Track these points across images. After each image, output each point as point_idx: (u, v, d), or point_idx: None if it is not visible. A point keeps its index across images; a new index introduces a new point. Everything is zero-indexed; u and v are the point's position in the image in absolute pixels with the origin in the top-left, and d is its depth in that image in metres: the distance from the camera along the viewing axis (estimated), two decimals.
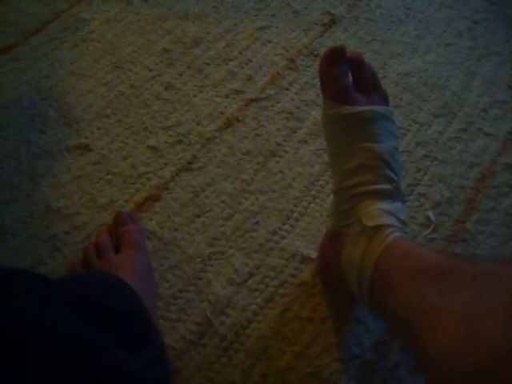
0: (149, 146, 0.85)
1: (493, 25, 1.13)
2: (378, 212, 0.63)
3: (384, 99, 0.70)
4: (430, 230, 0.82)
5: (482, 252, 0.82)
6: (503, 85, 1.03)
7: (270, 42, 1.00)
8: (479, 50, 1.08)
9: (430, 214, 0.83)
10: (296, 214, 0.80)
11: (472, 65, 1.05)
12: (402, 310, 0.53)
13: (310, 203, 0.82)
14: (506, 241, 0.84)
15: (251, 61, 0.97)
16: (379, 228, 0.61)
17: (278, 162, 0.85)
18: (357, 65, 0.68)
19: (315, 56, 0.99)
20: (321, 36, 1.03)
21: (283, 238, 0.78)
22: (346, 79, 0.67)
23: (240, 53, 0.98)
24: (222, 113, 0.89)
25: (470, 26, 1.12)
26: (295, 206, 0.81)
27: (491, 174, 0.90)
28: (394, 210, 0.64)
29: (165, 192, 0.81)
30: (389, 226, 0.61)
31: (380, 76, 0.97)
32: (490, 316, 0.42)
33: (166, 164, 0.83)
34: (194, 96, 0.91)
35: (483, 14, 1.14)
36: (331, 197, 0.79)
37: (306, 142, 0.87)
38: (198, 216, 0.79)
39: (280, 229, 0.79)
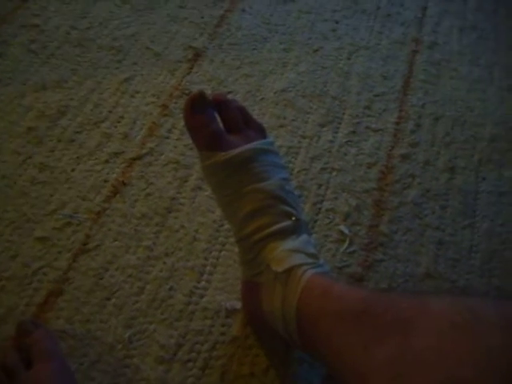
0: (36, 238, 0.78)
1: (353, 21, 1.14)
2: (284, 254, 0.60)
3: (260, 132, 0.68)
4: (347, 244, 0.80)
5: (402, 251, 0.81)
6: (378, 77, 1.04)
7: (138, 92, 0.96)
8: (347, 49, 1.08)
9: (342, 227, 0.82)
10: (209, 268, 0.76)
11: (344, 65, 1.05)
12: (333, 360, 0.51)
13: (220, 252, 0.78)
14: (422, 232, 0.84)
15: (123, 117, 0.92)
16: (290, 271, 0.59)
17: (176, 218, 0.81)
18: (222, 105, 0.65)
19: (187, 95, 0.95)
20: (188, 73, 0.99)
21: (202, 296, 0.74)
22: (215, 124, 0.64)
23: (110, 112, 0.92)
24: (105, 181, 0.84)
25: (332, 27, 1.12)
26: (205, 259, 0.77)
27: (390, 169, 0.90)
28: (301, 245, 0.61)
29: (66, 283, 0.74)
30: (300, 265, 0.59)
31: (258, 98, 0.96)
32: (415, 373, 0.40)
33: (59, 252, 0.77)
34: (72, 170, 0.85)
35: (342, 13, 1.15)
36: None
37: (200, 188, 0.83)
38: (108, 299, 0.73)
39: (196, 288, 0.74)
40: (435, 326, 0.43)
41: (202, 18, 1.09)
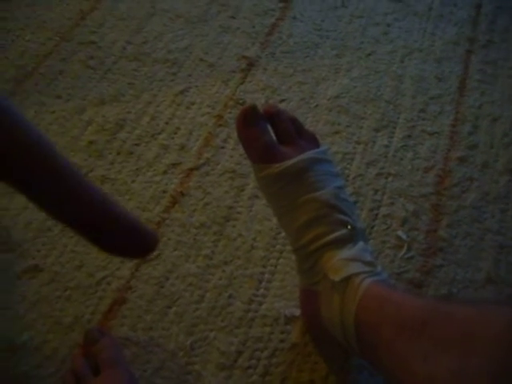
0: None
1: (405, 23, 1.13)
2: (341, 263, 0.60)
3: (312, 141, 0.68)
4: (405, 249, 0.79)
5: (462, 256, 0.79)
6: (433, 79, 1.03)
7: (193, 103, 0.97)
8: (400, 52, 1.07)
9: (400, 233, 0.81)
10: (267, 275, 0.77)
11: (397, 68, 1.04)
12: (392, 368, 0.51)
13: (278, 259, 0.78)
14: (482, 236, 0.82)
15: (180, 128, 0.94)
16: (348, 280, 0.59)
17: (234, 226, 0.82)
18: (274, 117, 0.66)
19: (242, 105, 0.96)
20: (242, 83, 1.00)
21: (261, 304, 0.75)
22: (267, 136, 0.65)
23: (166, 123, 0.95)
24: (164, 191, 0.86)
25: (384, 30, 1.11)
26: (264, 266, 0.78)
27: (448, 173, 0.89)
28: (357, 253, 0.61)
29: (129, 292, 0.76)
30: (357, 273, 0.59)
31: (312, 105, 0.96)
32: None
33: (122, 262, 0.79)
34: (132, 182, 0.87)
35: (393, 15, 1.14)
36: None
37: (256, 196, 0.84)
38: (169, 307, 0.75)
39: (255, 295, 0.75)
40: (495, 340, 0.42)
41: (254, 27, 1.10)
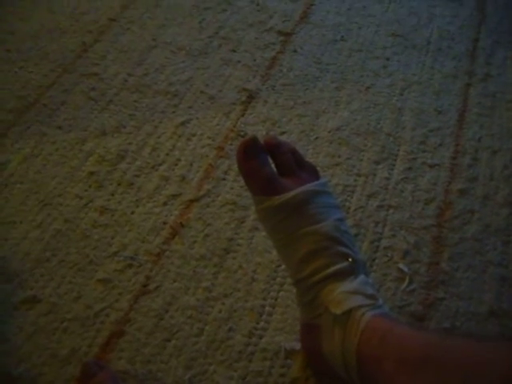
0: (98, 280, 0.80)
1: (404, 57, 1.14)
2: (342, 296, 0.60)
3: (313, 173, 0.68)
4: (407, 282, 0.79)
5: (464, 289, 0.79)
6: (432, 112, 1.04)
7: (194, 135, 0.98)
8: (399, 85, 1.08)
9: (401, 265, 0.81)
10: (268, 308, 0.76)
11: (397, 101, 1.05)
12: None
13: (278, 292, 0.78)
14: (484, 269, 0.82)
15: (180, 160, 0.94)
16: (349, 313, 0.58)
17: (234, 258, 0.81)
18: (274, 149, 0.66)
19: (242, 137, 0.97)
20: (243, 115, 1.01)
21: (261, 337, 0.74)
22: (268, 168, 0.65)
23: (167, 155, 0.95)
24: (164, 223, 0.86)
25: (383, 63, 1.12)
26: (264, 299, 0.77)
27: (448, 205, 0.89)
28: (359, 286, 0.61)
29: (127, 325, 0.75)
30: (359, 307, 0.58)
31: (312, 138, 0.97)
32: None
33: (120, 294, 0.78)
34: (132, 213, 0.87)
35: (392, 49, 1.16)
36: None
37: (257, 228, 0.84)
38: (168, 340, 0.74)
39: (255, 328, 0.74)
40: (497, 379, 0.42)
41: (255, 60, 1.12)
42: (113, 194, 0.90)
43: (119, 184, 0.91)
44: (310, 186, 0.65)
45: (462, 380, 0.44)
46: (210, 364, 0.71)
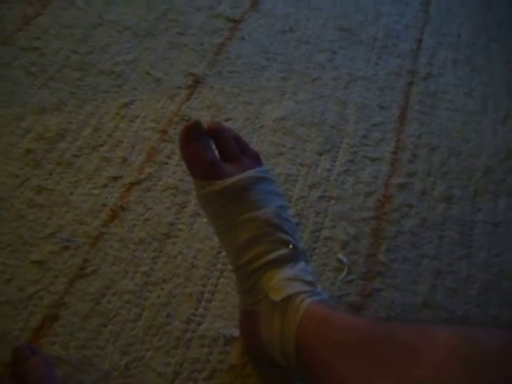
0: (33, 261, 0.77)
1: (350, 51, 1.15)
2: (282, 283, 0.60)
3: (255, 160, 0.68)
4: (345, 272, 0.80)
5: (400, 281, 0.81)
6: (375, 107, 1.05)
7: (137, 117, 0.96)
8: (344, 78, 1.09)
9: (341, 255, 0.82)
10: (207, 295, 0.76)
11: (342, 94, 1.06)
12: None
13: (218, 279, 0.77)
14: (419, 261, 0.84)
15: (122, 141, 0.92)
16: (288, 300, 0.59)
17: (175, 244, 0.80)
18: (217, 134, 0.65)
19: (186, 121, 0.95)
20: (188, 99, 1.00)
21: (200, 323, 0.73)
22: (210, 153, 0.64)
23: (109, 136, 0.92)
24: (104, 205, 0.83)
25: (329, 57, 1.13)
26: (203, 286, 0.76)
27: (388, 198, 0.91)
28: (299, 273, 0.61)
29: (62, 308, 0.73)
30: (298, 293, 0.59)
31: (257, 126, 0.96)
32: None
33: (56, 277, 0.76)
34: (71, 194, 0.84)
35: (339, 43, 1.17)
36: None
37: (198, 214, 0.83)
38: (105, 325, 0.72)
39: (194, 315, 0.74)
40: (436, 357, 0.43)
41: (202, 45, 1.10)
42: (51, 174, 0.87)
43: (58, 163, 0.88)
44: (253, 172, 0.65)
45: (402, 362, 0.45)
46: (148, 350, 0.70)
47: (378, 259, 0.83)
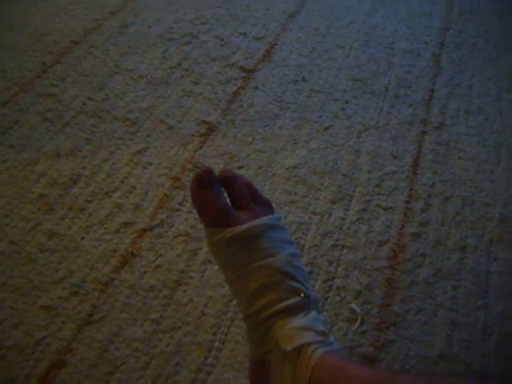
0: (41, 306, 0.76)
1: (362, 101, 1.16)
2: (293, 332, 0.58)
3: (267, 208, 0.67)
4: (358, 323, 0.78)
5: (414, 332, 0.79)
6: (388, 155, 1.05)
7: (150, 164, 0.96)
8: (357, 127, 1.10)
9: (354, 305, 0.80)
10: (217, 344, 0.74)
11: (354, 143, 1.06)
12: None
13: (229, 327, 0.76)
14: (434, 312, 0.82)
15: (135, 188, 0.92)
16: (300, 349, 0.57)
17: (185, 291, 0.79)
18: (229, 181, 0.65)
19: (199, 169, 0.96)
20: (201, 147, 1.00)
21: (209, 373, 0.71)
22: (222, 200, 0.63)
23: (122, 182, 0.93)
24: (114, 251, 0.83)
25: (342, 106, 1.14)
26: (214, 334, 0.75)
27: (401, 247, 0.89)
28: (310, 322, 0.59)
29: (69, 355, 0.72)
30: (309, 343, 0.57)
31: (269, 174, 0.96)
32: None
33: (64, 322, 0.75)
34: (82, 239, 0.84)
35: (351, 93, 1.18)
36: None
37: (209, 261, 0.82)
38: (112, 373, 0.71)
39: (204, 364, 0.72)
40: None
41: (216, 93, 1.12)
42: (63, 219, 0.87)
43: (70, 208, 0.88)
44: (264, 220, 0.64)
45: None
46: None
47: (392, 309, 0.81)
